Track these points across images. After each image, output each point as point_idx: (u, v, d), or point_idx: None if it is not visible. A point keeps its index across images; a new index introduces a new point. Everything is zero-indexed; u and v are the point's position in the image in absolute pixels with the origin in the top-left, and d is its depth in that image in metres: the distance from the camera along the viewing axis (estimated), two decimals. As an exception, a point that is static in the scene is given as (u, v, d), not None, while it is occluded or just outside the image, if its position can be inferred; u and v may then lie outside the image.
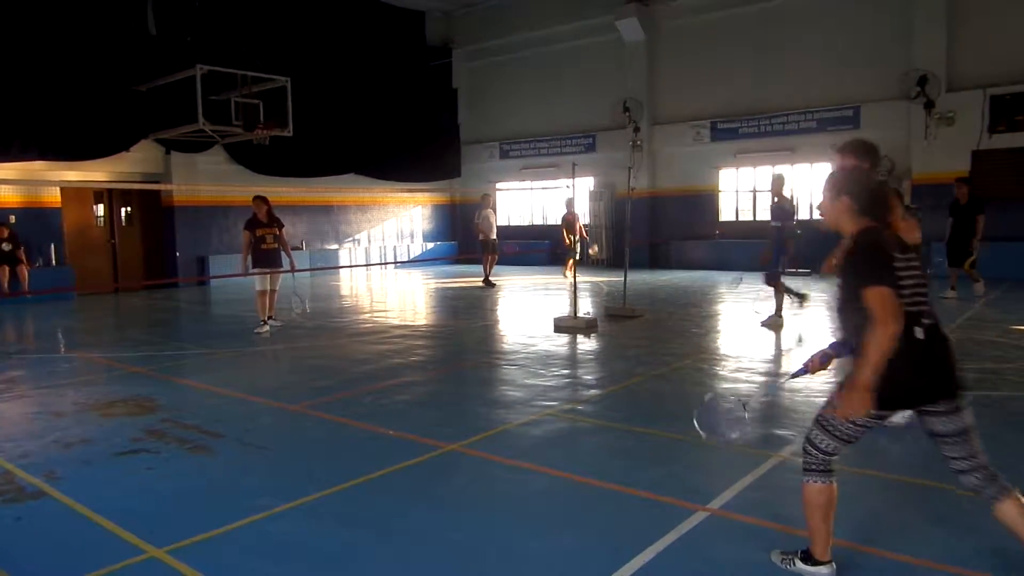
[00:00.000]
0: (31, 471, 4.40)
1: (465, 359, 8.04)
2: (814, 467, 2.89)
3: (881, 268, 2.68)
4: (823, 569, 2.92)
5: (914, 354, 2.67)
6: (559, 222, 16.32)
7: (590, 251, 15.15)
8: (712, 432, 3.29)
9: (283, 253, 9.86)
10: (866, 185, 2.87)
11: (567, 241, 16.22)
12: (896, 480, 4.06)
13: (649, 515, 3.60)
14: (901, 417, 3.13)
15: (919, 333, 2.68)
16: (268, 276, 9.58)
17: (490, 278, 15.38)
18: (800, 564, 2.97)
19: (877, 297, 2.61)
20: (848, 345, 2.89)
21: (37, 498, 4.01)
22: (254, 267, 9.58)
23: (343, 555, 3.28)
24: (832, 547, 2.95)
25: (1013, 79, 14.32)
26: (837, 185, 2.88)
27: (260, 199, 9.76)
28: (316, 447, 4.93)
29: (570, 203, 16.29)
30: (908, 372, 2.68)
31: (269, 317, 9.73)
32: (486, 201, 15.67)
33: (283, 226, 9.91)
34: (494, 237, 15.36)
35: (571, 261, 16.32)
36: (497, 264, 16.35)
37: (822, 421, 2.86)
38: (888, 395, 2.68)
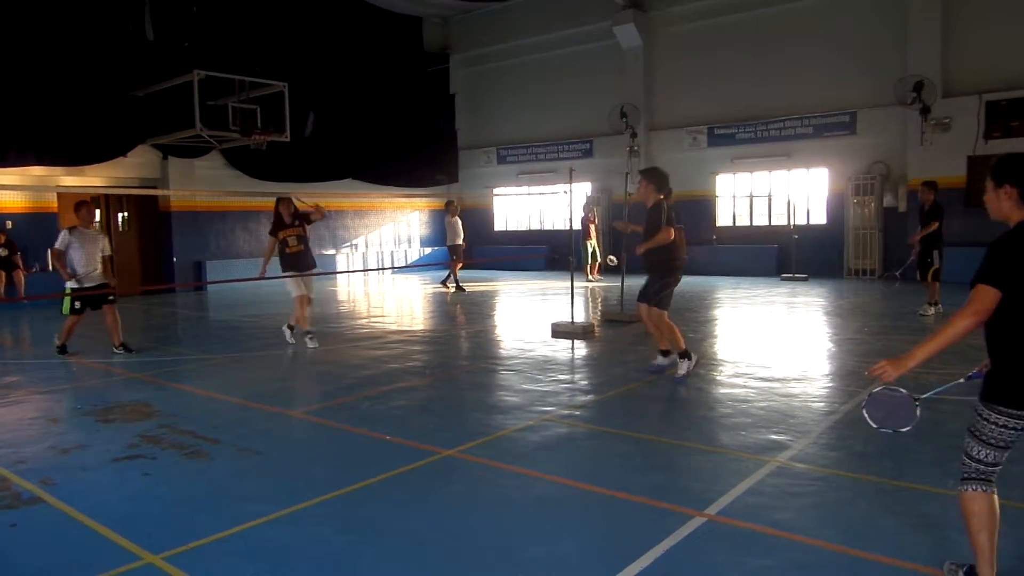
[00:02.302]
0: (27, 477, 4.39)
1: (462, 364, 8.03)
2: (972, 475, 2.74)
3: (997, 265, 2.61)
4: None
5: None
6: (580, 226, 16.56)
7: (608, 260, 15.42)
8: (882, 423, 2.98)
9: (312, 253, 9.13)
10: None
11: (589, 245, 16.43)
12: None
13: (646, 521, 3.60)
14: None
15: None
16: (301, 280, 8.90)
17: (450, 283, 15.57)
18: None
19: (978, 293, 2.60)
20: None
21: (33, 504, 4.00)
22: (284, 271, 9.02)
23: (340, 561, 3.27)
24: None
25: (1009, 85, 14.37)
26: (1000, 173, 2.72)
27: (280, 201, 8.97)
28: (313, 453, 4.93)
29: (586, 206, 16.62)
30: None
31: (307, 331, 8.96)
32: (451, 208, 15.80)
33: (309, 223, 9.08)
34: (459, 243, 15.45)
35: (587, 266, 16.52)
36: (484, 269, 16.48)
37: (972, 429, 2.73)
38: None
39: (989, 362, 2.74)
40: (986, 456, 2.70)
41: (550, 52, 21.05)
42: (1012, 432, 2.65)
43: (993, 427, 2.65)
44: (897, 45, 15.58)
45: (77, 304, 8.52)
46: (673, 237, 6.73)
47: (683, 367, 6.65)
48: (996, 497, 2.72)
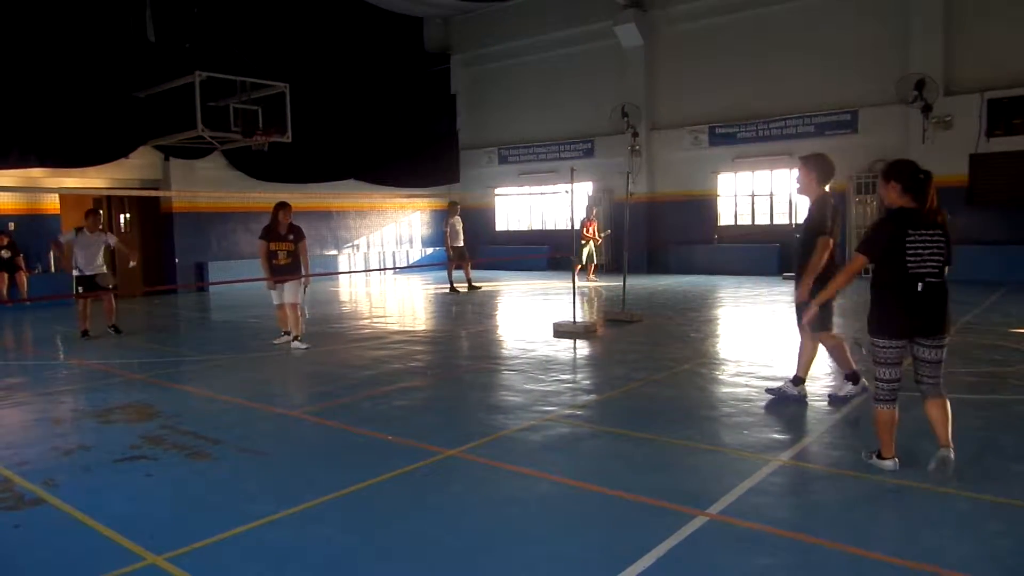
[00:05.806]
0: (30, 478, 4.39)
1: (464, 364, 8.03)
2: (883, 397, 4.01)
3: (872, 242, 3.93)
4: (887, 463, 4.06)
5: (913, 302, 3.84)
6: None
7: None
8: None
9: (301, 265, 8.97)
10: (910, 173, 3.84)
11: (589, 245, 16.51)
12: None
13: (649, 520, 3.60)
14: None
15: (920, 287, 3.81)
16: (281, 290, 8.92)
17: (471, 283, 15.54)
18: (875, 459, 4.10)
19: (855, 259, 4.01)
20: None
21: (36, 505, 4.00)
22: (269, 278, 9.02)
23: (342, 562, 3.27)
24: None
25: (1010, 83, 14.35)
26: (888, 172, 3.91)
27: (281, 207, 8.84)
28: (315, 453, 4.92)
29: (588, 208, 16.77)
30: (907, 313, 3.87)
31: (295, 337, 8.89)
32: (453, 209, 15.75)
33: (303, 238, 8.93)
34: (460, 244, 15.42)
35: (580, 266, 16.52)
36: (485, 270, 16.43)
37: (874, 359, 3.98)
38: (895, 328, 3.92)
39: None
40: (889, 374, 3.98)
41: (551, 52, 21.05)
42: (896, 351, 3.95)
43: (883, 351, 3.96)
44: (898, 43, 15.56)
45: (80, 288, 10.01)
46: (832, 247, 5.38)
47: (847, 387, 5.75)
48: (896, 409, 4.01)
